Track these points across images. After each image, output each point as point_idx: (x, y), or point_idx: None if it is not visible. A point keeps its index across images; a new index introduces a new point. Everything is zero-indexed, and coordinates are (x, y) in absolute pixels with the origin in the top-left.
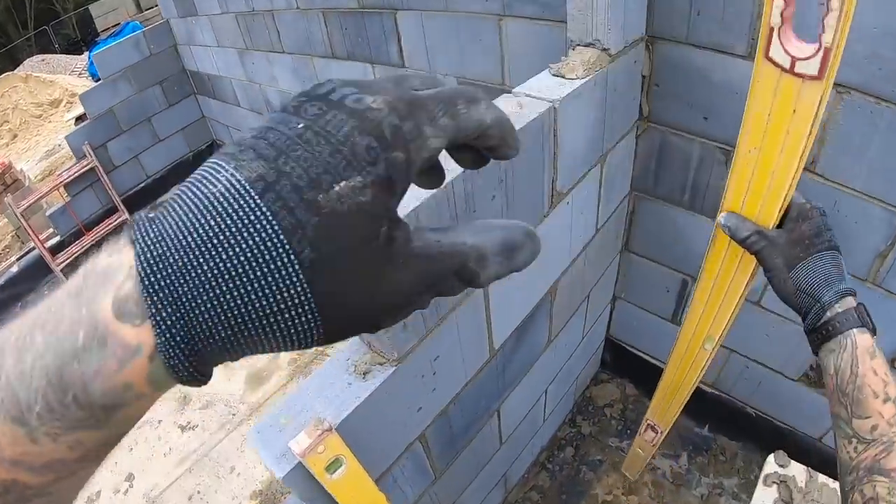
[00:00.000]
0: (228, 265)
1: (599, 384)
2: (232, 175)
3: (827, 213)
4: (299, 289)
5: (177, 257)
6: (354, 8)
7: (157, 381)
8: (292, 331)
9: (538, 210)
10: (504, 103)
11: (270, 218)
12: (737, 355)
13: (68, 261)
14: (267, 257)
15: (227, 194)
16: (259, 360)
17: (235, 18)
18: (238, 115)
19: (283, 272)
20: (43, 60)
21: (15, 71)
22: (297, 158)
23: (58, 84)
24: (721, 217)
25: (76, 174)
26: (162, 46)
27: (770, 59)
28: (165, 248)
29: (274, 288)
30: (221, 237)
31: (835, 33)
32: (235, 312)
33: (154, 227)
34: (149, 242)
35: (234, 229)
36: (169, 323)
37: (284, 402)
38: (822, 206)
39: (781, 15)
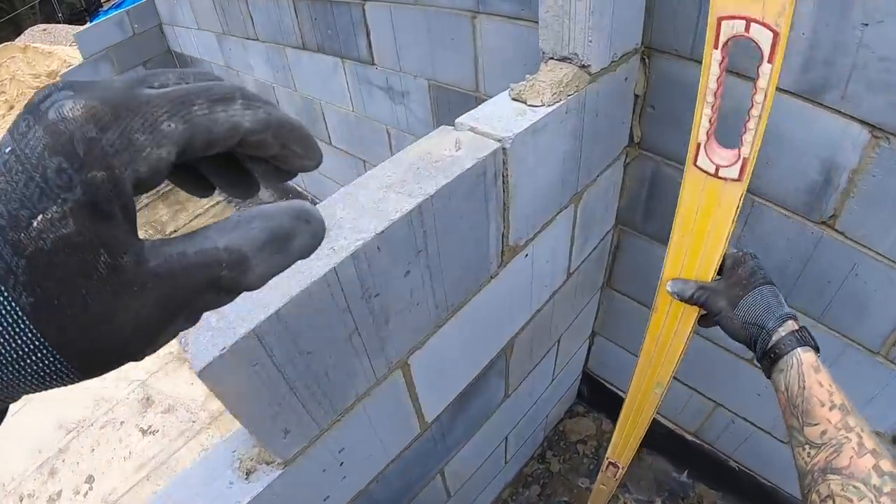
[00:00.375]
0: None
1: (574, 417)
2: None
3: (785, 270)
4: (30, 335)
5: None
6: None
7: None
8: (42, 373)
9: (481, 274)
10: (439, 140)
11: None
12: (723, 409)
13: None
14: None
15: None
16: None
17: (213, 1)
18: None
19: (10, 320)
20: (44, 30)
21: (15, 41)
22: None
23: (56, 55)
24: (668, 285)
25: None
26: (146, 25)
27: (698, 167)
28: None
29: (7, 337)
30: None
31: (751, 147)
32: None
33: None
34: None
35: None
36: None
37: (166, 493)
38: (752, 251)
39: (707, 133)
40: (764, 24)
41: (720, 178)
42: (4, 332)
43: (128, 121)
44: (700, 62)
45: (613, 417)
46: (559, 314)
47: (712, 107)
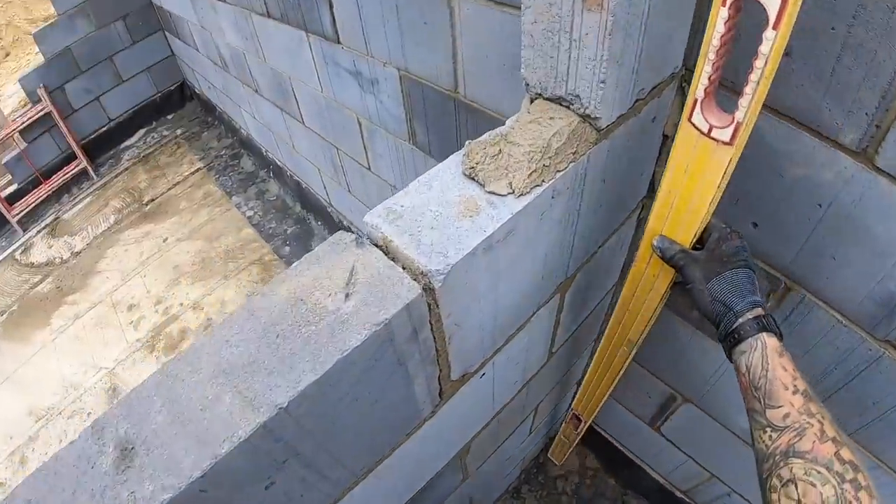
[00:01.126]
0: None
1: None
2: None
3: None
4: None
5: None
6: None
7: None
8: None
9: (406, 425)
10: (326, 270)
11: None
12: (718, 481)
13: (26, 210)
14: None
15: None
16: None
17: None
18: (200, 60)
19: None
20: None
21: None
22: None
23: None
24: (654, 240)
25: (30, 120)
26: None
27: (692, 123)
28: None
29: None
30: None
31: (746, 112)
32: None
33: None
34: None
35: None
36: None
37: None
38: (739, 230)
39: (705, 90)
40: None
41: (712, 138)
42: None
43: None
44: (773, 111)
45: (599, 455)
46: (535, 391)
47: (713, 65)
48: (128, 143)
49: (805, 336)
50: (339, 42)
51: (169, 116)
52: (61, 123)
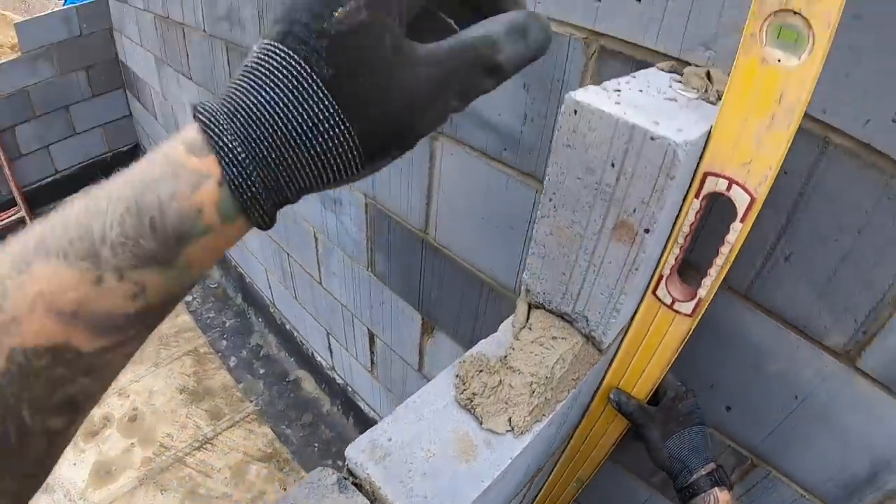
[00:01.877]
0: (268, 94)
1: None
2: (264, 36)
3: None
4: (325, 100)
5: (227, 101)
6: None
7: (224, 211)
8: (329, 144)
9: None
10: None
11: (291, 52)
12: None
13: None
14: (295, 82)
15: (259, 49)
16: (111, 450)
17: (154, 21)
18: (157, 129)
19: (310, 89)
20: None
21: None
22: (302, 3)
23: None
24: (612, 393)
25: None
26: (95, 28)
27: (656, 295)
28: (218, 98)
29: (306, 105)
30: (258, 74)
31: (707, 290)
32: (280, 131)
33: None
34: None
35: (268, 69)
36: (227, 149)
37: None
38: (694, 389)
39: (671, 269)
40: (744, 188)
41: (674, 310)
42: (305, 100)
43: None
44: (761, 308)
45: None
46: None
47: (681, 247)
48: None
49: None
50: None
51: None
52: (6, 166)
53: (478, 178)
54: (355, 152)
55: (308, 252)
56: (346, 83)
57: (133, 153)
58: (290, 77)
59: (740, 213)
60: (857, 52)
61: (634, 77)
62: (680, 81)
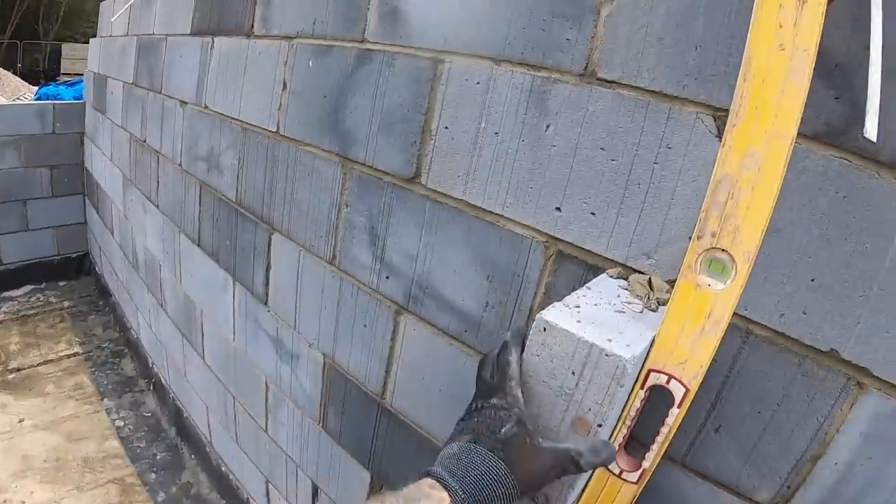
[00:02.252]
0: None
1: None
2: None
3: None
4: (503, 468)
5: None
6: (231, 199)
7: None
8: (510, 489)
9: None
10: None
11: (488, 451)
12: None
13: None
14: (493, 464)
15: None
16: None
17: (130, 140)
18: (111, 245)
19: (498, 466)
20: None
21: None
22: (486, 426)
23: None
24: None
25: None
26: (68, 129)
27: (607, 469)
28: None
29: (499, 481)
30: (475, 461)
31: (651, 461)
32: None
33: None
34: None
35: (479, 462)
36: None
37: None
38: None
39: (619, 445)
40: (681, 381)
41: (622, 478)
42: (497, 479)
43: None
44: (696, 473)
45: None
46: None
47: (628, 427)
48: (11, 293)
49: None
50: (266, 304)
51: (61, 283)
52: None
53: (438, 354)
54: (517, 492)
55: (257, 399)
56: (511, 461)
57: (82, 261)
58: (491, 464)
59: (678, 401)
60: (772, 259)
61: (590, 289)
62: (627, 289)
